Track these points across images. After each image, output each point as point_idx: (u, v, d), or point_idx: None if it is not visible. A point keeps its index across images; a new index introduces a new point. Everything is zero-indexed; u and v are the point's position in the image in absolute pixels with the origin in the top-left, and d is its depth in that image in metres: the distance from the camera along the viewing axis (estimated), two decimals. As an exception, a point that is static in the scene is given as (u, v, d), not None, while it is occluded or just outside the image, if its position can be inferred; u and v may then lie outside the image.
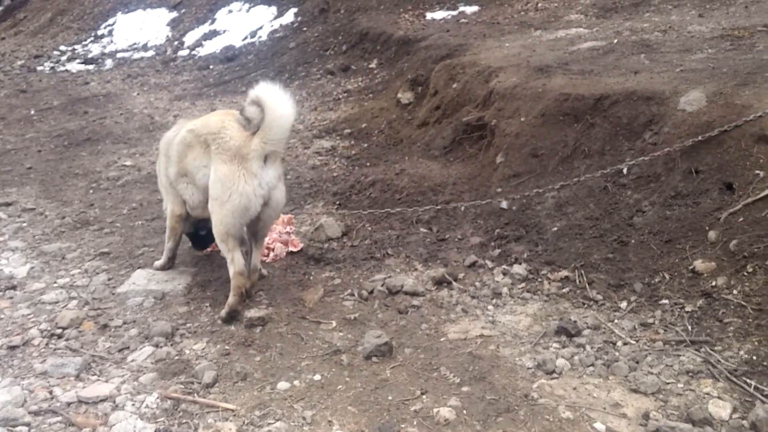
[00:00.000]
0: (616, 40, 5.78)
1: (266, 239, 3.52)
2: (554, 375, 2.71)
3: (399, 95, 6.80)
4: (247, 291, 3.39)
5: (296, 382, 2.72)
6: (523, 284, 3.46)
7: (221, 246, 3.35)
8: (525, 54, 5.76)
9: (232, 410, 2.54)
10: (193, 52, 12.57)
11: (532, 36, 6.89)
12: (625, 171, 3.75)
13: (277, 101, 3.15)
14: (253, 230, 3.50)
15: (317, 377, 2.75)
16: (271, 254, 4.06)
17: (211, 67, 11.36)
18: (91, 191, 5.56)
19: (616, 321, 3.04)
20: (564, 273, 3.44)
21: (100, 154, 6.76)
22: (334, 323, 3.22)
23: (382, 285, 3.57)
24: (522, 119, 4.54)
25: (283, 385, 2.70)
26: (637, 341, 2.87)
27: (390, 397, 2.58)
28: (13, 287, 3.65)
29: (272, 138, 3.17)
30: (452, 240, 4.08)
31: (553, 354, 2.84)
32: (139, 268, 3.87)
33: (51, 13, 18.93)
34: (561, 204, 3.89)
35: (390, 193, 4.81)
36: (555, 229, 3.78)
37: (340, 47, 9.69)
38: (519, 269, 3.56)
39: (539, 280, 3.48)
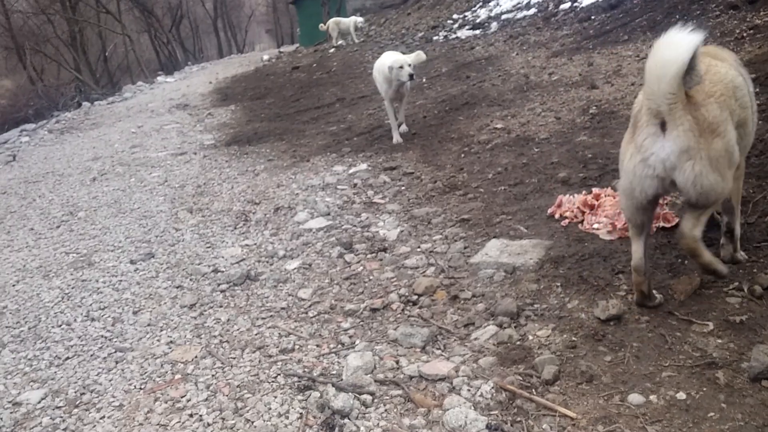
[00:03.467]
0: None
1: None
2: None
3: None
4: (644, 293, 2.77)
5: (653, 398, 2.22)
6: None
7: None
8: None
9: (572, 418, 2.20)
10: (575, 4, 12.00)
11: None
12: None
13: (659, 42, 2.35)
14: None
15: (681, 395, 2.19)
16: (639, 230, 3.48)
17: (592, 17, 10.66)
18: (462, 155, 5.73)
19: None
20: None
21: (475, 118, 6.95)
22: (710, 325, 2.54)
23: (787, 281, 2.70)
24: None
25: (635, 398, 2.23)
26: None
27: (787, 449, 1.88)
28: (384, 249, 3.95)
29: (648, 90, 2.43)
30: None
31: None
32: (494, 237, 3.77)
33: (447, -16, 20.52)
34: None
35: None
36: None
37: (752, -26, 7.91)
38: None
39: None
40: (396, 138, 6.67)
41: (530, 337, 2.73)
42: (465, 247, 3.75)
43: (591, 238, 3.54)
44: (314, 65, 15.25)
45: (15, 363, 3.19)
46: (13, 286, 4.22)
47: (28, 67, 29.85)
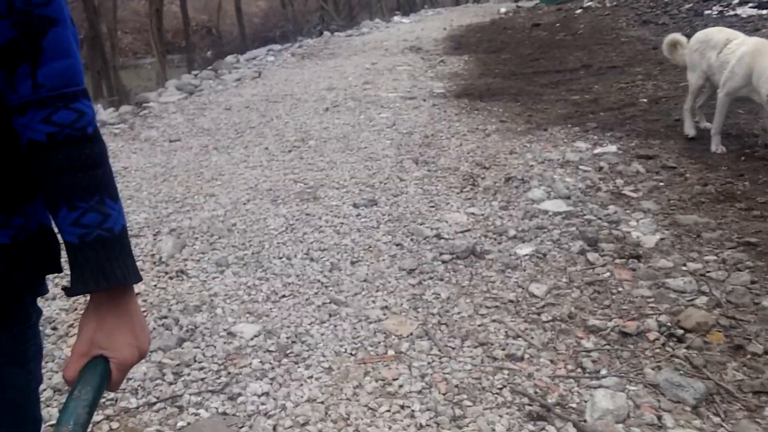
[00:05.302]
0: None
1: None
2: None
3: None
4: None
5: None
6: None
7: None
8: None
9: None
10: None
11: None
12: None
13: None
14: None
15: None
16: None
17: None
18: (742, 158, 4.69)
19: None
20: None
21: (754, 111, 5.72)
22: None
23: None
24: None
25: None
26: None
27: None
28: (638, 257, 3.28)
29: None
30: None
31: None
32: (797, 277, 2.92)
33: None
34: None
35: None
36: None
37: None
38: None
39: None
40: (689, 131, 5.20)
41: None
42: (752, 282, 2.95)
43: None
44: (557, 25, 14.15)
45: (235, 288, 3.14)
46: (244, 204, 4.27)
47: (282, -9, 32.06)
